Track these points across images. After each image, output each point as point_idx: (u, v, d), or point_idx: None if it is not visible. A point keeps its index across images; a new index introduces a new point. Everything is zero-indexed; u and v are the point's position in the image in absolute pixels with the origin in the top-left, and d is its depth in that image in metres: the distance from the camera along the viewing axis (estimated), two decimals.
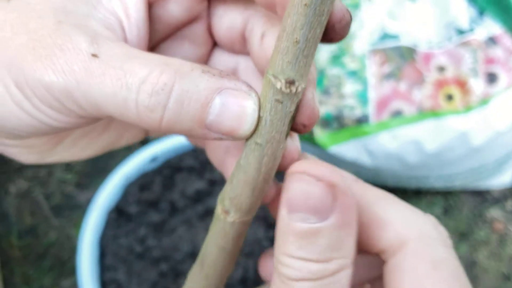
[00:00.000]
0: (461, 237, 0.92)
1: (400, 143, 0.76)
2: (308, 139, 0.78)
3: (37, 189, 0.93)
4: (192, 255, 0.64)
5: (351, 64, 0.77)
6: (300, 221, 0.22)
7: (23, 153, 0.29)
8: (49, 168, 0.94)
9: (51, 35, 0.22)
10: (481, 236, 0.92)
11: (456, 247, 0.91)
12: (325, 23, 0.21)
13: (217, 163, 0.33)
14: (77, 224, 0.90)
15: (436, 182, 0.86)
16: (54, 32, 0.22)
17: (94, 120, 0.25)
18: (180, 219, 0.66)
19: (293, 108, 0.22)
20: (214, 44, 0.30)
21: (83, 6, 0.24)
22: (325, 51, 0.77)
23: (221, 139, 0.23)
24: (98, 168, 0.93)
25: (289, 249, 0.22)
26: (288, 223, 0.22)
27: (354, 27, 0.78)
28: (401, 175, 0.83)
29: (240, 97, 0.22)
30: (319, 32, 0.21)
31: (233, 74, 0.28)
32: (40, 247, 0.90)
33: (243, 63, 0.30)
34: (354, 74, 0.77)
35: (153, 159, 0.68)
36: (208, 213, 0.67)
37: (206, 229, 0.66)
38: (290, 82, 0.21)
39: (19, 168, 0.93)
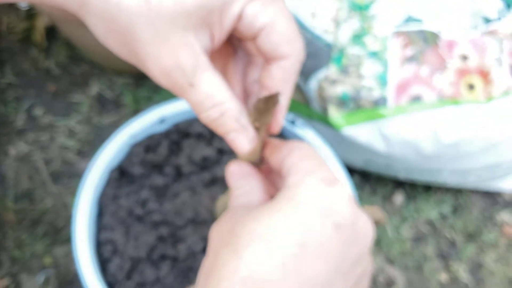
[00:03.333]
0: (469, 238, 0.89)
1: (416, 129, 0.74)
2: (322, 118, 0.76)
3: (37, 154, 0.90)
4: (194, 222, 0.61)
5: (372, 44, 0.74)
6: None
7: None
8: (51, 133, 0.91)
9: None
10: (489, 239, 0.89)
11: (463, 247, 0.88)
12: None
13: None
14: (75, 192, 0.87)
15: (449, 177, 0.83)
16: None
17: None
18: (184, 185, 0.63)
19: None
20: None
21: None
22: (347, 30, 0.75)
23: None
24: (101, 137, 0.91)
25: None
26: None
27: (377, 7, 0.76)
28: (414, 166, 0.80)
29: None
30: None
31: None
32: (35, 212, 0.87)
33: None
34: (375, 55, 0.74)
35: (161, 121, 0.65)
36: (214, 182, 0.64)
37: (210, 197, 0.64)
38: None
39: (21, 131, 0.91)
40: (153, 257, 0.60)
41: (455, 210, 0.91)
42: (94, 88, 0.94)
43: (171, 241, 0.61)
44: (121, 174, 0.64)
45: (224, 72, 0.37)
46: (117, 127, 0.92)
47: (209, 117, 0.32)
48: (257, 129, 0.34)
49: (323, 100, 0.74)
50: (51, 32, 0.96)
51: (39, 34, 0.94)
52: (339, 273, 0.29)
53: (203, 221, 0.61)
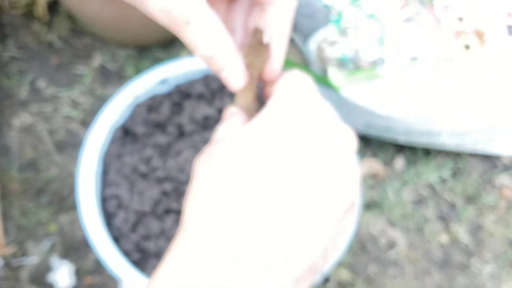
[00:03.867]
0: (468, 200, 0.90)
1: (414, 89, 0.75)
2: (321, 80, 0.77)
3: (41, 124, 0.91)
4: None
5: (369, 6, 0.75)
6: None
7: None
8: (55, 104, 0.92)
9: None
10: (489, 201, 0.90)
11: (463, 209, 0.89)
12: None
13: None
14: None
15: (448, 139, 0.84)
16: None
17: None
18: (187, 143, 0.65)
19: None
20: None
21: None
22: None
23: None
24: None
25: None
26: None
27: None
28: (413, 128, 0.82)
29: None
30: None
31: None
32: (40, 181, 0.88)
33: None
34: (372, 16, 0.75)
35: (163, 81, 0.66)
36: None
37: None
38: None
39: (25, 102, 0.92)
40: (157, 211, 0.61)
41: (455, 173, 0.92)
42: (97, 60, 0.95)
43: (174, 196, 0.62)
44: (124, 133, 0.65)
45: (226, 14, 0.37)
46: None
47: (203, 55, 0.33)
48: (250, 71, 0.34)
49: (323, 61, 0.75)
50: (53, 6, 0.97)
51: (41, 8, 0.95)
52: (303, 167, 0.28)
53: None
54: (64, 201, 0.87)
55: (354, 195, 0.30)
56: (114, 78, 0.94)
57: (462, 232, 0.88)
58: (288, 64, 0.79)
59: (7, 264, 0.83)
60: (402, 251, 0.87)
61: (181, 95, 0.67)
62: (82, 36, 0.97)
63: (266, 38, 0.33)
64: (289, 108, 0.30)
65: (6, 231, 0.85)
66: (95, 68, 0.95)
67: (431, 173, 0.91)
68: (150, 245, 0.60)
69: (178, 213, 0.61)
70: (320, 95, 0.32)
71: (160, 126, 0.66)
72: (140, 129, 0.65)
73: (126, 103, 0.65)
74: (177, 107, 0.67)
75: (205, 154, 0.30)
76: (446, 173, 0.92)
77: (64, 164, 0.89)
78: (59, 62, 0.95)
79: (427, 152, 0.92)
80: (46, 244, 0.84)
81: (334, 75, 0.75)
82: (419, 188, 0.90)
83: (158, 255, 0.60)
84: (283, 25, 0.34)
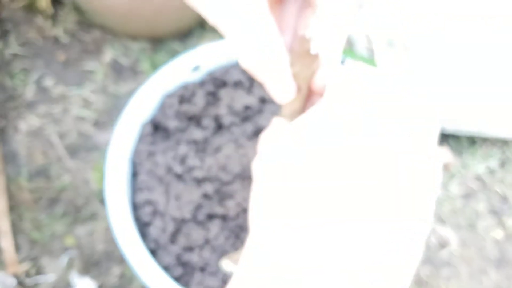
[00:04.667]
0: None
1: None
2: (368, 62, 0.69)
3: (51, 127, 0.83)
4: (242, 177, 0.54)
5: None
6: None
7: None
8: (65, 104, 0.84)
9: None
10: None
11: None
12: None
13: None
14: (95, 167, 0.80)
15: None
16: None
17: None
18: (226, 137, 0.57)
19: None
20: None
21: None
22: None
23: None
24: (118, 106, 0.84)
25: None
26: None
27: None
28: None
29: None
30: None
31: None
32: (52, 190, 0.80)
33: None
34: None
35: (195, 68, 0.58)
36: (258, 133, 0.57)
37: (256, 150, 0.57)
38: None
39: (31, 104, 0.84)
40: (198, 217, 0.53)
41: (503, 163, 0.84)
42: (108, 54, 0.87)
43: (217, 198, 0.54)
44: (154, 129, 0.57)
45: (274, 11, 0.32)
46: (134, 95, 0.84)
47: (248, 62, 0.29)
48: (297, 81, 0.31)
49: (369, 42, 0.67)
50: None
51: (43, 1, 0.87)
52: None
53: (252, 176, 0.54)
54: (80, 211, 0.79)
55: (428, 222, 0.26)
56: (128, 73, 0.86)
57: None
58: None
59: (21, 284, 0.75)
60: (455, 250, 0.79)
61: (215, 83, 0.59)
62: (90, 29, 0.88)
63: (313, 48, 0.29)
64: (345, 121, 0.26)
65: (18, 247, 0.76)
66: (106, 63, 0.86)
67: (478, 164, 0.83)
68: (194, 258, 0.52)
69: (223, 218, 0.53)
70: (390, 91, 0.27)
71: (195, 119, 0.58)
72: (172, 123, 0.57)
73: (154, 94, 0.57)
74: (212, 97, 0.59)
75: (264, 181, 0.27)
76: (494, 163, 0.84)
77: (78, 170, 0.81)
78: (67, 58, 0.87)
79: (472, 141, 0.84)
80: (63, 260, 0.76)
81: (381, 56, 0.67)
82: (467, 181, 0.83)
83: (204, 270, 0.52)
84: (334, 33, 0.30)
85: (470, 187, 0.82)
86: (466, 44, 0.69)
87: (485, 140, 0.85)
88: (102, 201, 0.79)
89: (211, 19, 0.28)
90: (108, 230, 0.77)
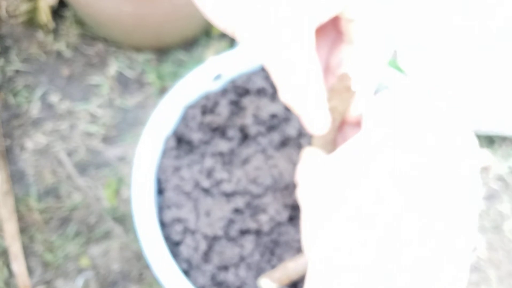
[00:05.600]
0: None
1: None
2: (389, 64, 0.67)
3: (58, 144, 0.80)
4: (274, 189, 0.52)
5: None
6: None
7: None
8: (71, 120, 0.81)
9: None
10: None
11: None
12: None
13: None
14: (107, 183, 0.77)
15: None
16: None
17: None
18: (253, 148, 0.54)
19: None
20: None
21: None
22: None
23: None
24: (127, 119, 0.81)
25: None
26: None
27: None
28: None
29: None
30: None
31: None
32: (63, 210, 0.76)
33: None
34: None
35: (217, 77, 0.56)
36: (286, 143, 0.54)
37: (286, 160, 0.54)
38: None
39: (37, 121, 0.80)
40: (231, 233, 0.51)
41: None
42: (113, 67, 0.84)
43: (249, 212, 0.51)
44: (178, 142, 0.55)
45: None
46: (143, 108, 0.82)
47: (289, 93, 0.28)
48: (332, 115, 0.31)
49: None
50: (57, 11, 0.86)
51: (44, 15, 0.84)
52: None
53: (285, 187, 0.52)
54: (93, 230, 0.76)
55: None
56: (134, 86, 0.83)
57: None
58: None
59: None
60: (482, 253, 0.77)
61: (237, 91, 0.57)
62: (93, 42, 0.86)
63: (355, 86, 0.30)
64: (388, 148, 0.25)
65: (30, 270, 0.73)
66: (111, 76, 0.84)
67: (499, 164, 0.81)
68: (230, 277, 0.49)
69: (257, 233, 0.50)
70: (423, 107, 0.27)
71: (219, 130, 0.55)
72: (195, 135, 0.54)
73: (176, 106, 0.54)
74: (235, 106, 0.56)
75: (313, 213, 0.27)
76: None
77: (88, 187, 0.78)
78: (71, 73, 0.84)
79: (491, 141, 0.82)
80: (79, 282, 0.73)
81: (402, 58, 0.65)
82: (490, 181, 0.81)
83: None
84: (372, 69, 0.30)
85: (493, 188, 0.80)
86: (483, 44, 0.67)
87: (504, 139, 0.83)
88: (115, 218, 0.76)
89: (256, 51, 0.28)
90: (123, 249, 0.74)
